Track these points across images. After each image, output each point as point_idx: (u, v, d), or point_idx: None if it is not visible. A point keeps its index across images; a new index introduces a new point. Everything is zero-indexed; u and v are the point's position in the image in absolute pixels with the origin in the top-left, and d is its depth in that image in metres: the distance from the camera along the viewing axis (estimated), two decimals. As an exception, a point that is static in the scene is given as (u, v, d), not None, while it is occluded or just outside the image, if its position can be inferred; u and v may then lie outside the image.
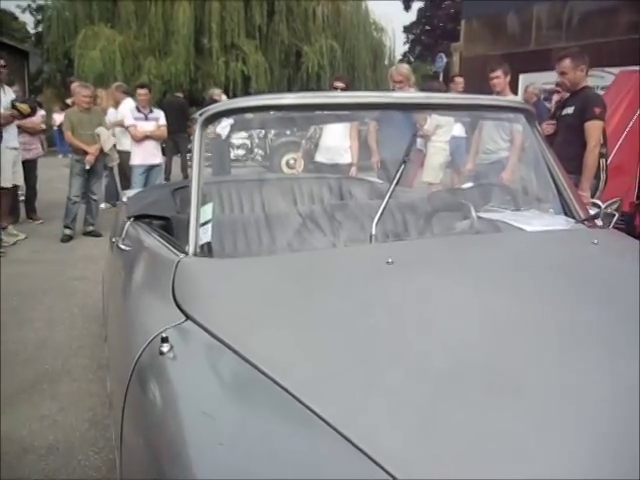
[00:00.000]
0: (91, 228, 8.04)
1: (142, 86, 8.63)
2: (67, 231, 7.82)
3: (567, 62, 4.96)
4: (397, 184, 2.18)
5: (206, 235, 2.06)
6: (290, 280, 1.79)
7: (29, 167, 8.57)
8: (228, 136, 7.78)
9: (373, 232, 1.96)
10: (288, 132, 11.59)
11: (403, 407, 1.22)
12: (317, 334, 1.51)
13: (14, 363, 4.00)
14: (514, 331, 1.46)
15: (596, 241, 2.00)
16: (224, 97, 11.27)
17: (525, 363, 1.35)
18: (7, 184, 7.50)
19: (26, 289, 5.68)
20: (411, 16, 36.85)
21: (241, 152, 13.90)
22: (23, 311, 5.08)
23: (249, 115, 2.51)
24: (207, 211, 2.11)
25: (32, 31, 34.88)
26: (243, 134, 13.18)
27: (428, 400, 1.24)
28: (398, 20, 39.49)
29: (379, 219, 1.98)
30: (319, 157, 6.65)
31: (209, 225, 2.08)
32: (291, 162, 11.15)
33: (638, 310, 1.52)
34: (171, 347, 1.53)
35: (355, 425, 1.17)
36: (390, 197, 2.05)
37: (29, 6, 32.84)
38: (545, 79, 10.67)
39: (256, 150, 14.25)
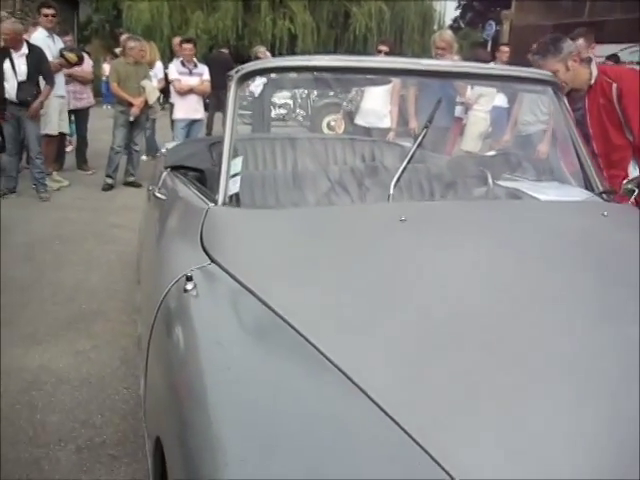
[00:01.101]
0: (132, 178, 8.23)
1: (187, 41, 8.71)
2: (109, 180, 8.02)
3: None
4: (424, 148, 2.25)
5: (235, 186, 2.17)
6: (309, 231, 1.90)
7: (80, 116, 8.79)
8: (261, 94, 7.83)
9: (391, 192, 2.05)
10: (331, 93, 11.56)
11: (400, 352, 1.32)
12: (327, 282, 1.62)
13: (53, 302, 4.21)
14: (512, 292, 1.53)
15: (606, 213, 2.05)
16: (268, 55, 11.29)
17: (521, 323, 1.42)
18: (53, 131, 7.72)
19: (68, 233, 5.90)
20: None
21: (283, 111, 13.94)
22: (64, 254, 5.29)
23: (284, 75, 2.59)
24: (237, 164, 2.22)
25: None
26: (286, 94, 13.19)
27: (423, 349, 1.33)
28: (451, -17, 38.59)
29: (397, 180, 2.07)
30: (359, 120, 6.69)
31: (238, 177, 2.19)
32: (332, 124, 11.15)
33: (636, 278, 1.58)
34: (194, 285, 1.66)
35: (352, 365, 1.27)
36: (411, 161, 2.13)
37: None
38: (597, 52, 10.44)
39: (298, 110, 14.26)
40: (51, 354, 3.44)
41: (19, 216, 6.34)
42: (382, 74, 2.58)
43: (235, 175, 2.20)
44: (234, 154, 2.25)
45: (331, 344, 1.34)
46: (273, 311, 1.50)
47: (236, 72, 2.34)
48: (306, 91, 11.94)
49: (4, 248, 5.25)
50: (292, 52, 20.61)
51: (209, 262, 1.84)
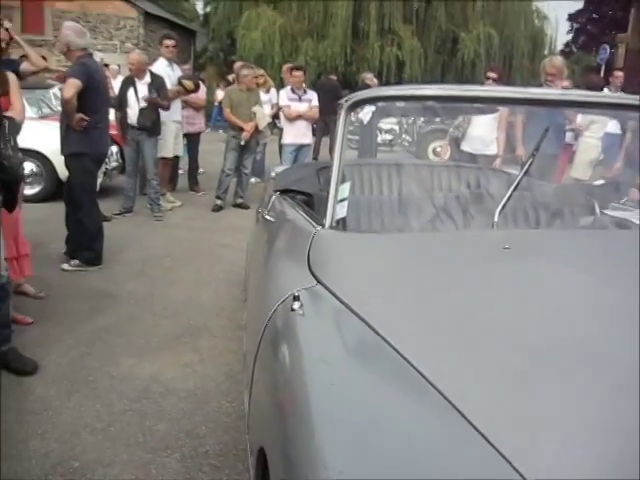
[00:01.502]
0: (240, 200, 8.51)
1: (297, 68, 8.95)
2: (218, 201, 8.34)
3: None
4: (530, 176, 2.24)
5: (342, 211, 2.24)
6: (412, 257, 1.93)
7: (192, 141, 9.22)
8: (370, 122, 7.93)
9: (495, 219, 2.06)
10: (437, 120, 11.54)
11: (499, 377, 1.33)
12: (428, 306, 1.64)
13: (163, 316, 4.43)
14: (618, 325, 1.50)
15: None
16: (376, 81, 11.43)
17: (625, 356, 1.39)
18: (168, 154, 8.13)
19: (178, 251, 6.18)
20: (578, 3, 34.85)
21: (389, 137, 14.02)
22: (175, 271, 5.55)
23: (392, 103, 2.65)
24: (345, 189, 2.29)
25: (201, 12, 36.81)
26: (392, 119, 13.27)
27: (522, 374, 1.33)
28: (563, 7, 37.59)
29: (502, 208, 2.07)
30: (465, 146, 6.66)
31: (346, 202, 2.26)
32: (438, 150, 11.13)
33: None
34: (301, 305, 1.73)
35: (451, 388, 1.29)
36: (518, 188, 2.13)
37: (199, -12, 34.69)
38: None
39: (404, 136, 14.32)
40: (160, 365, 3.62)
41: (135, 234, 6.71)
42: (489, 103, 2.59)
43: (343, 200, 2.26)
44: (342, 179, 2.32)
45: (431, 366, 1.36)
46: (375, 332, 1.54)
47: (346, 100, 2.42)
48: (412, 117, 11.97)
49: (121, 263, 5.57)
50: (399, 78, 20.77)
51: (315, 283, 1.91)
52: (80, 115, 4.95)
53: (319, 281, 1.92)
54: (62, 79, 11.40)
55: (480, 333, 1.49)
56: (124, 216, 7.43)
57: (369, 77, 11.08)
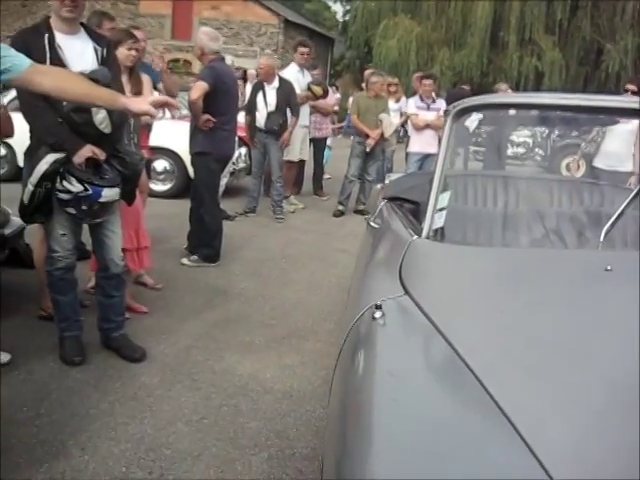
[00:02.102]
0: (362, 207, 8.51)
1: (427, 76, 8.85)
2: (340, 207, 8.39)
3: None
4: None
5: (440, 220, 2.17)
6: (508, 273, 1.83)
7: (319, 146, 9.35)
8: (475, 130, 7.68)
9: (601, 239, 1.91)
10: (574, 134, 11.00)
11: (579, 414, 1.22)
12: (517, 328, 1.54)
13: (272, 317, 4.50)
14: None
15: None
16: (510, 92, 11.06)
17: None
18: (294, 158, 8.28)
19: (295, 254, 6.27)
20: None
21: (521, 150, 13.53)
22: (289, 273, 5.63)
23: (522, 112, 2.53)
24: (445, 198, 2.21)
25: (340, 20, 37.50)
26: (526, 132, 12.81)
27: (611, 412, 1.21)
28: None
29: (611, 227, 1.92)
30: (598, 162, 6.31)
31: (444, 212, 2.18)
32: (570, 165, 10.61)
33: None
34: (383, 315, 1.68)
35: (525, 419, 1.20)
36: (629, 207, 1.97)
37: (340, -3, 35.40)
38: None
39: (536, 150, 13.77)
40: (261, 364, 3.67)
41: (255, 234, 6.88)
42: (611, 114, 2.42)
43: (441, 209, 2.19)
44: (443, 188, 2.25)
45: (508, 394, 1.28)
46: (455, 350, 1.47)
47: (453, 107, 2.35)
48: (546, 130, 11.49)
49: (238, 262, 5.73)
50: (537, 89, 20.03)
51: (403, 293, 1.86)
52: (207, 116, 5.15)
53: (407, 292, 1.86)
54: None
55: (566, 363, 1.38)
56: (247, 216, 7.64)
57: (503, 88, 10.71)
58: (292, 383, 3.47)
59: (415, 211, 2.90)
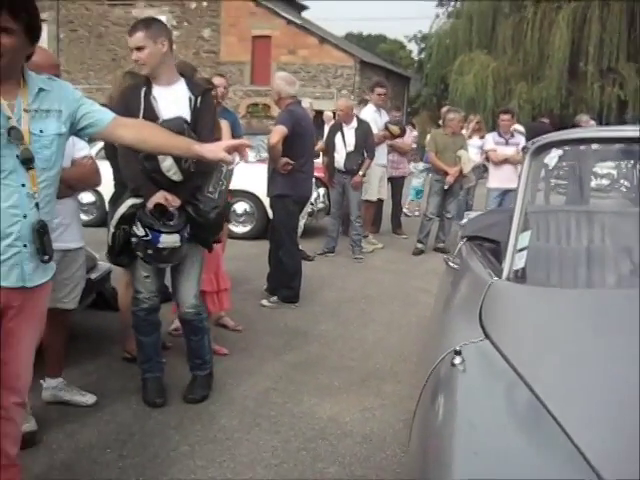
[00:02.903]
0: (441, 244, 8.41)
1: (505, 112, 8.75)
2: (419, 245, 8.31)
3: None
4: None
5: (521, 261, 2.10)
6: (595, 317, 1.74)
7: (396, 184, 9.36)
8: (555, 167, 7.46)
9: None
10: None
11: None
12: (604, 376, 1.46)
13: (351, 358, 4.46)
14: None
15: None
16: (592, 123, 10.78)
17: None
18: (373, 197, 8.29)
19: (375, 293, 6.23)
20: None
21: (605, 182, 13.09)
22: (369, 313, 5.59)
23: (605, 146, 2.45)
24: (525, 238, 2.15)
25: (415, 58, 37.79)
26: (609, 163, 12.39)
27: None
28: None
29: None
30: (690, 194, 6.01)
31: (525, 252, 2.11)
32: (658, 197, 10.14)
33: None
34: (463, 360, 1.63)
35: (616, 475, 1.12)
36: None
37: (415, 36, 35.70)
38: None
39: (622, 181, 13.27)
40: (340, 407, 3.63)
41: (334, 274, 6.89)
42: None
43: (522, 249, 2.13)
44: (524, 227, 2.19)
45: (595, 446, 1.20)
46: (538, 399, 1.40)
47: (532, 144, 2.29)
48: (631, 161, 11.07)
49: (317, 303, 5.73)
50: (620, 120, 19.43)
51: (483, 338, 1.80)
52: (285, 159, 5.24)
53: (487, 336, 1.80)
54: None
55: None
56: (326, 256, 7.67)
57: (585, 120, 10.47)
58: (372, 427, 3.41)
59: (495, 250, 2.83)
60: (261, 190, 7.88)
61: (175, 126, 2.99)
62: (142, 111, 3.34)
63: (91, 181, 3.37)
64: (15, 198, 2.13)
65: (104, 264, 4.41)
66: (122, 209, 3.37)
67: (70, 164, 3.17)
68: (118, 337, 4.31)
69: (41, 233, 2.20)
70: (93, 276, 4.26)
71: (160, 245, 3.29)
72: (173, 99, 3.41)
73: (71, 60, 26.19)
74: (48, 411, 3.39)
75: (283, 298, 5.54)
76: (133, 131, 2.44)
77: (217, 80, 4.82)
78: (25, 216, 2.16)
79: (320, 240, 8.18)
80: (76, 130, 2.34)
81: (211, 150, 2.43)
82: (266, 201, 7.88)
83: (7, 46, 2.01)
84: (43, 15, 27.40)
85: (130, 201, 3.36)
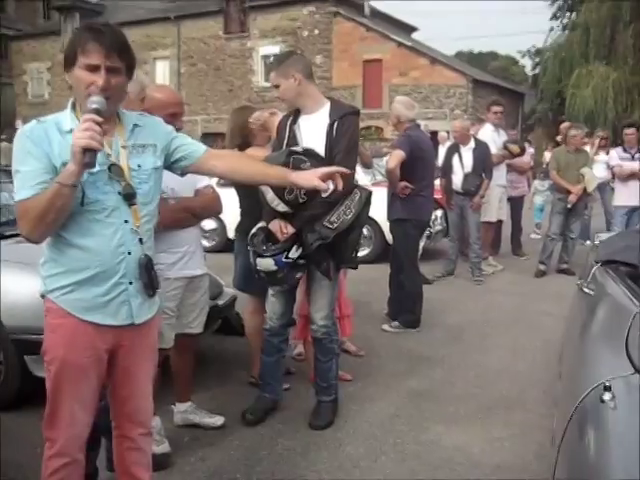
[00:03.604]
0: (565, 266, 8.09)
1: (630, 125, 8.36)
2: (541, 267, 8.03)
3: None
4: None
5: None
6: None
7: (515, 204, 9.13)
8: None
9: None
10: None
11: None
12: None
13: (476, 385, 4.35)
14: None
15: None
16: None
17: None
18: (492, 219, 8.12)
19: (497, 317, 6.07)
20: None
21: None
22: (492, 338, 5.44)
23: None
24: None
25: (529, 73, 36.84)
26: None
27: None
28: None
29: None
30: None
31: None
32: None
33: None
34: (612, 397, 1.55)
35: None
36: None
37: (528, 51, 34.83)
38: None
39: None
40: (467, 436, 3.54)
41: (454, 297, 6.78)
42: None
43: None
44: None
45: None
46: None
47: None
48: None
49: (439, 327, 5.64)
50: None
51: (633, 372, 1.70)
52: (404, 183, 5.23)
53: (638, 370, 1.70)
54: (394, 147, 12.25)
55: None
56: (445, 279, 7.57)
57: None
58: (501, 457, 3.30)
59: (634, 275, 2.69)
60: (378, 213, 7.90)
61: (275, 162, 3.03)
62: (286, 140, 3.49)
63: (214, 209, 3.51)
64: (119, 235, 2.14)
65: (230, 290, 4.56)
66: (252, 231, 3.55)
67: (194, 194, 3.32)
68: (244, 362, 4.42)
69: (148, 268, 2.21)
70: (220, 302, 4.42)
71: (258, 268, 3.44)
72: (314, 126, 3.49)
73: (191, 93, 27.49)
74: (180, 434, 3.52)
75: (404, 323, 5.50)
76: (224, 162, 2.43)
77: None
78: (130, 252, 2.17)
79: (438, 263, 8.08)
80: (170, 163, 2.36)
81: (305, 178, 2.33)
82: (384, 224, 7.93)
83: (117, 86, 2.08)
84: (165, 52, 29.09)
85: (259, 224, 3.54)
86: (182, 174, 2.49)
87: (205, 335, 3.73)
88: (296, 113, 3.58)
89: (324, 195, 2.98)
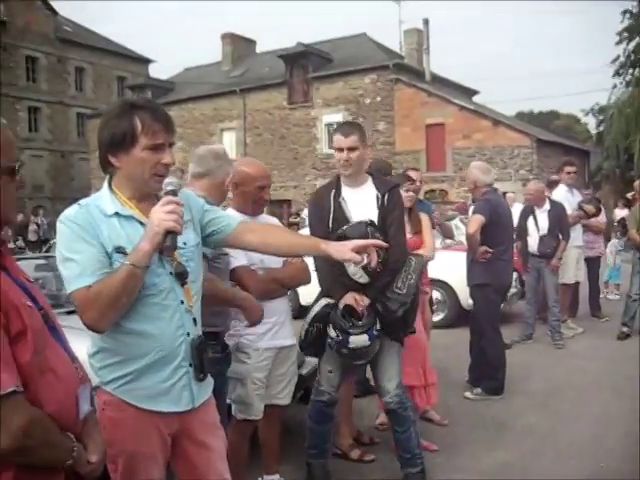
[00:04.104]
0: (650, 328, 7.78)
1: None
2: (625, 329, 7.73)
3: None
4: None
5: None
6: None
7: (592, 265, 8.89)
8: None
9: None
10: None
11: None
12: None
13: (569, 456, 4.17)
14: None
15: None
16: None
17: None
18: (570, 280, 7.92)
19: (582, 382, 5.85)
20: None
21: None
22: (579, 405, 5.24)
23: None
24: None
25: (593, 131, 36.53)
26: None
27: None
28: None
29: None
30: None
31: None
32: None
33: None
34: None
35: None
36: None
37: (592, 109, 34.63)
38: None
39: None
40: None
41: (535, 362, 6.58)
42: None
43: None
44: None
45: None
46: None
47: None
48: None
49: (522, 394, 5.47)
50: None
51: None
52: (484, 248, 5.19)
53: None
54: (461, 209, 12.22)
55: None
56: (524, 343, 7.38)
57: None
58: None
59: None
60: (451, 277, 7.87)
61: (357, 232, 3.07)
62: (332, 213, 3.49)
63: (302, 279, 3.50)
64: (177, 317, 2.06)
65: (312, 360, 4.54)
66: (316, 308, 3.53)
67: (282, 264, 3.35)
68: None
69: (201, 350, 2.12)
70: (303, 372, 4.40)
71: (350, 346, 3.39)
72: (361, 199, 3.53)
73: (256, 161, 28.08)
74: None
75: (487, 390, 5.35)
76: (258, 235, 2.33)
77: (414, 174, 4.93)
78: (188, 334, 2.09)
79: (515, 326, 7.90)
80: (203, 237, 2.27)
81: (338, 250, 2.20)
82: (458, 288, 7.87)
83: (172, 162, 2.08)
84: (232, 124, 30.08)
85: (324, 301, 3.51)
86: (215, 248, 2.45)
87: (291, 405, 3.71)
88: (337, 185, 3.58)
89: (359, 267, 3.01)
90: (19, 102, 36.33)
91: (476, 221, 5.14)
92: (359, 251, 2.19)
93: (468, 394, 5.41)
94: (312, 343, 3.58)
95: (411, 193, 4.52)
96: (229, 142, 29.06)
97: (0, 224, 1.57)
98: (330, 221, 3.47)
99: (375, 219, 3.42)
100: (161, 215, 1.92)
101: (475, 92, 32.95)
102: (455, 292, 8.04)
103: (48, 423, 1.47)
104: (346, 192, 3.56)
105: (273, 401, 3.40)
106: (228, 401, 3.22)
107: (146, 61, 43.89)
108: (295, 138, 28.26)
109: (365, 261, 2.28)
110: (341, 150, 3.50)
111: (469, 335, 5.89)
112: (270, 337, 3.26)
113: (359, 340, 3.37)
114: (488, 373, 5.40)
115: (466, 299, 7.90)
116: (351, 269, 3.26)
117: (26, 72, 37.14)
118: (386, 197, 3.53)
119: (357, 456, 4.06)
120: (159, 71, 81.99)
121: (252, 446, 3.44)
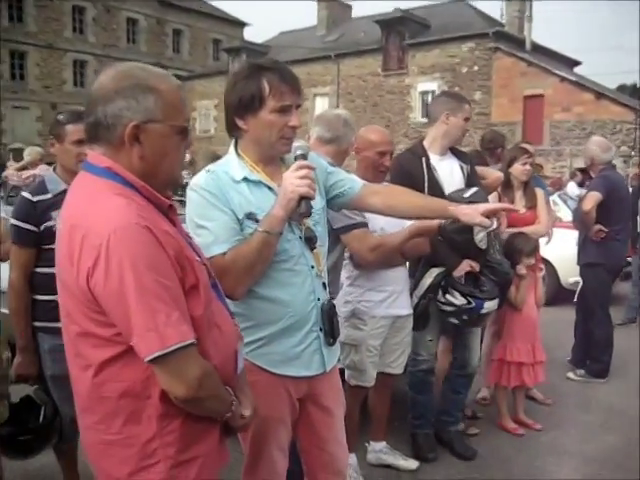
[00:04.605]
0: None
1: None
2: None
3: None
4: None
5: None
6: None
7: None
8: None
9: None
10: None
11: None
12: None
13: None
14: None
15: None
16: None
17: None
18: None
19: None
20: None
21: None
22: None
23: None
24: None
25: None
26: None
27: None
28: None
29: None
30: None
31: None
32: None
33: None
34: None
35: None
36: None
37: None
38: None
39: None
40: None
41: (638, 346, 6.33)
42: None
43: None
44: None
45: None
46: None
47: None
48: None
49: (628, 377, 5.28)
50: None
51: None
52: (598, 226, 5.00)
53: None
54: (556, 185, 11.79)
55: None
56: (627, 326, 7.12)
57: None
58: None
59: None
60: (553, 254, 7.63)
61: (480, 198, 2.98)
62: (427, 182, 3.46)
63: (421, 249, 3.42)
64: (309, 282, 2.05)
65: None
66: (428, 280, 3.46)
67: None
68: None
69: (331, 314, 2.11)
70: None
71: (484, 311, 3.42)
72: (448, 169, 3.57)
73: (348, 128, 27.99)
74: (372, 472, 3.54)
75: (591, 372, 5.21)
76: (382, 197, 2.30)
77: (529, 147, 4.78)
78: (319, 299, 2.08)
79: (616, 308, 7.59)
80: (327, 200, 2.24)
81: (467, 214, 2.18)
82: (559, 266, 7.66)
83: (299, 125, 2.02)
84: (325, 89, 30.01)
85: (435, 270, 3.46)
86: (338, 211, 2.42)
87: (402, 377, 3.71)
88: (426, 154, 3.56)
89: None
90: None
91: (592, 198, 4.93)
92: (488, 215, 2.18)
93: (571, 374, 5.29)
94: (422, 315, 3.56)
95: (528, 167, 4.38)
96: (321, 108, 28.94)
97: (170, 183, 1.61)
98: (425, 191, 3.40)
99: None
100: (294, 180, 1.90)
101: (577, 63, 31.54)
102: (555, 270, 7.82)
103: (217, 376, 1.52)
104: (434, 161, 3.57)
105: (386, 369, 3.42)
106: (341, 366, 3.26)
107: (241, 24, 44.13)
108: (388, 106, 27.94)
109: (495, 225, 2.26)
110: (467, 120, 3.58)
111: (568, 314, 5.75)
112: (387, 305, 3.27)
113: (492, 305, 3.43)
114: (593, 355, 5.26)
115: (566, 277, 7.69)
116: (479, 236, 3.21)
117: (126, 34, 38.06)
118: (469, 167, 3.62)
119: (461, 429, 4.05)
120: (254, 34, 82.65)
121: (363, 413, 3.49)
